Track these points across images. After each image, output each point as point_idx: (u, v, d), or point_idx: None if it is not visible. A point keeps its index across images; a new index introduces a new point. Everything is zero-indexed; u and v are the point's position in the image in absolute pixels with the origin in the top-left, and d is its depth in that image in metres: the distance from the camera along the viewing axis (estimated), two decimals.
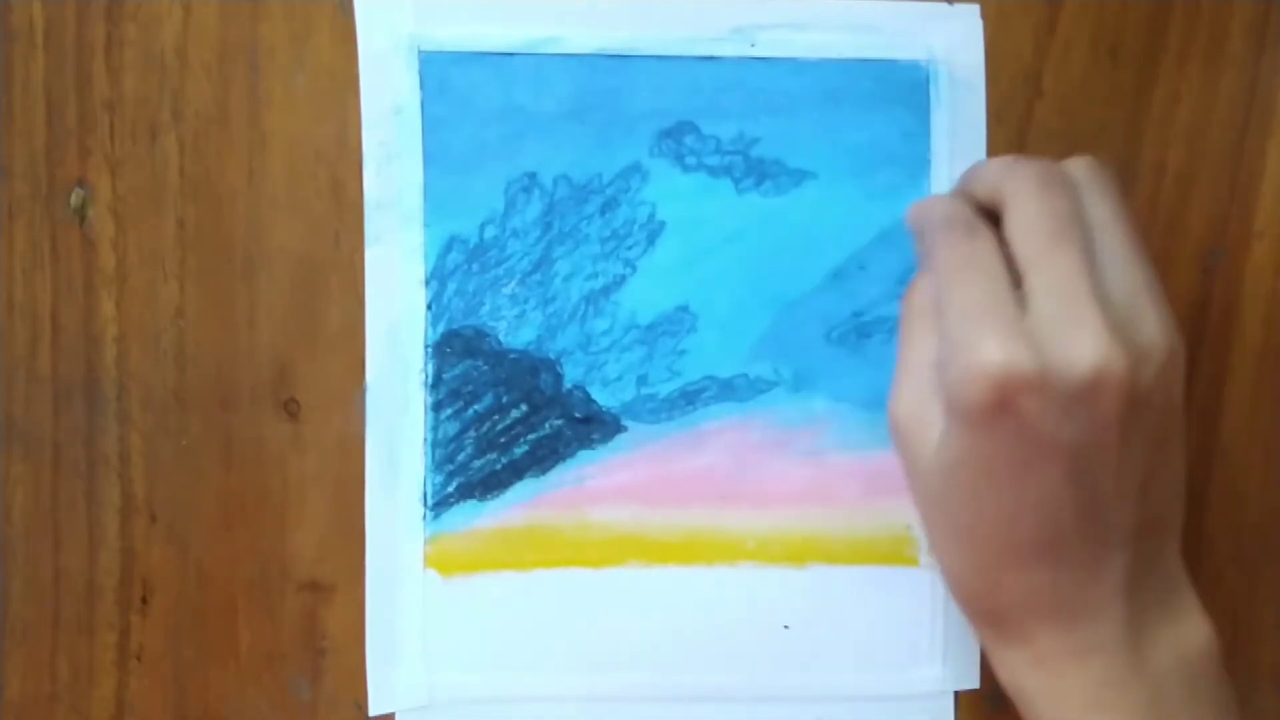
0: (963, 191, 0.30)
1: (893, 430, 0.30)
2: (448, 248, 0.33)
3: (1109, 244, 0.27)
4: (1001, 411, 0.25)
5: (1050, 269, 0.26)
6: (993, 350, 0.25)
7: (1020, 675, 0.28)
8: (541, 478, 0.33)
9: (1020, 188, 0.27)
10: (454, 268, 0.33)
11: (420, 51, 0.32)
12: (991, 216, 0.28)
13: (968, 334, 0.26)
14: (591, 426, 0.33)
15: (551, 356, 0.33)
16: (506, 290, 0.33)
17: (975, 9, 0.33)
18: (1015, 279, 0.27)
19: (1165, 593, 0.28)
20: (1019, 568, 0.27)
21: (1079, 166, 0.28)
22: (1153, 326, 0.26)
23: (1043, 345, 0.25)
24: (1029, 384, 0.25)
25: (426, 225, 0.33)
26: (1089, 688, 0.27)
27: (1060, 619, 0.27)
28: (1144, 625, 0.27)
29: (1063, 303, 0.25)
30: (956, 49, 0.33)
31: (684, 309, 0.33)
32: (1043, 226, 0.26)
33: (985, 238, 0.27)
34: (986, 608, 0.28)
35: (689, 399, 0.33)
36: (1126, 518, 0.27)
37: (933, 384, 0.28)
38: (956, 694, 0.34)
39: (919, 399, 0.28)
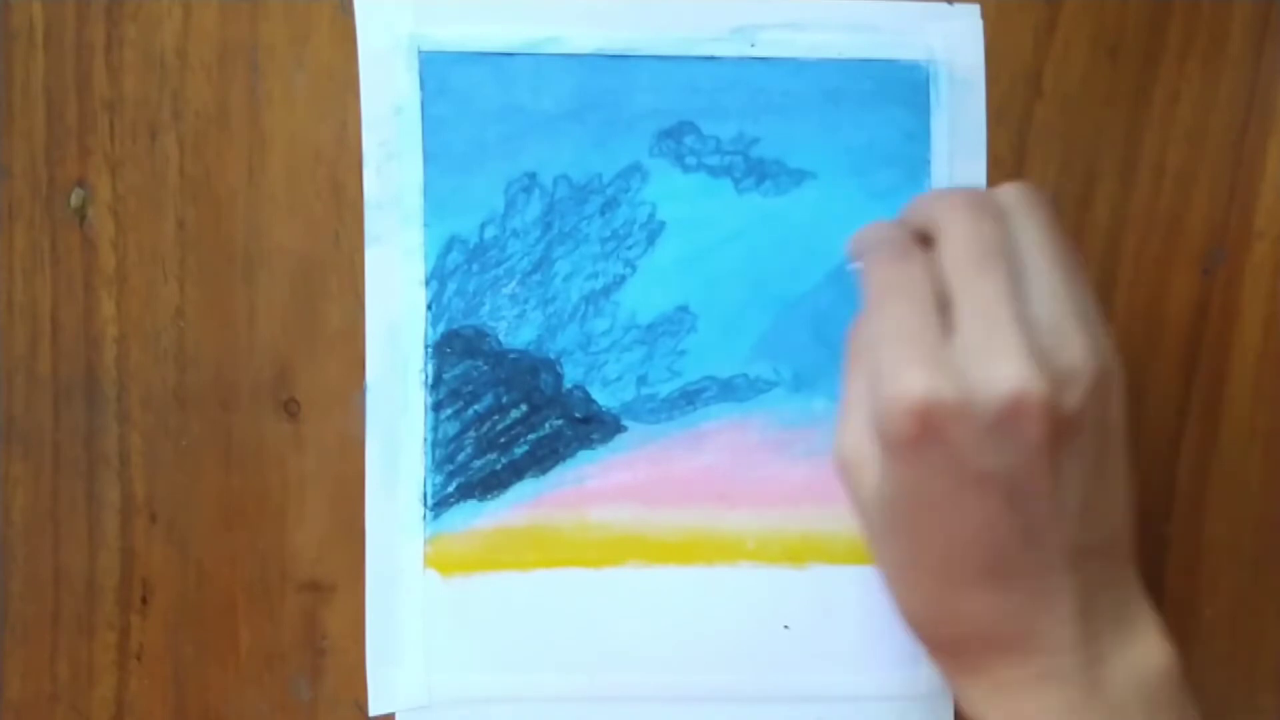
0: (901, 220, 0.29)
1: (837, 469, 0.29)
2: (448, 248, 0.33)
3: (1037, 269, 0.26)
4: (927, 441, 0.25)
5: (975, 294, 0.26)
6: (915, 379, 0.25)
7: (980, 705, 0.28)
8: (541, 478, 0.33)
9: (950, 214, 0.27)
10: (454, 268, 0.33)
11: (420, 51, 0.32)
12: (929, 245, 0.28)
13: (892, 363, 0.26)
14: (591, 426, 0.33)
15: (551, 356, 0.33)
16: (506, 290, 0.33)
17: (975, 9, 0.33)
18: (947, 304, 0.26)
19: (1121, 615, 0.27)
20: (966, 597, 0.27)
21: (1009, 193, 0.28)
22: (1078, 348, 0.26)
23: (964, 372, 0.25)
24: (951, 412, 0.25)
25: (426, 225, 0.33)
26: (1048, 715, 0.27)
27: (1013, 647, 0.27)
28: (1100, 650, 0.27)
29: (985, 328, 0.25)
30: (956, 49, 0.33)
31: (684, 309, 0.33)
32: (970, 252, 0.26)
33: (916, 261, 0.27)
34: (940, 639, 0.28)
35: (689, 399, 0.33)
36: (1068, 540, 0.26)
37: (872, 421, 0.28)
38: None
39: (859, 437, 0.28)
